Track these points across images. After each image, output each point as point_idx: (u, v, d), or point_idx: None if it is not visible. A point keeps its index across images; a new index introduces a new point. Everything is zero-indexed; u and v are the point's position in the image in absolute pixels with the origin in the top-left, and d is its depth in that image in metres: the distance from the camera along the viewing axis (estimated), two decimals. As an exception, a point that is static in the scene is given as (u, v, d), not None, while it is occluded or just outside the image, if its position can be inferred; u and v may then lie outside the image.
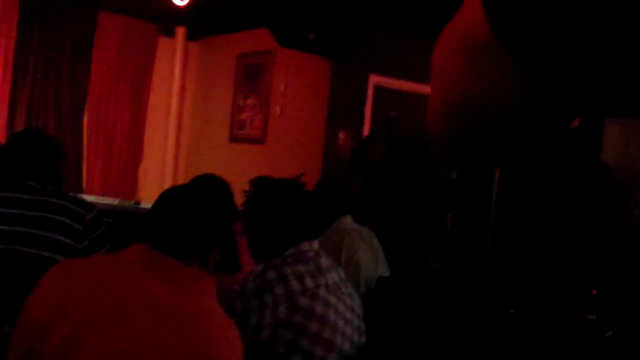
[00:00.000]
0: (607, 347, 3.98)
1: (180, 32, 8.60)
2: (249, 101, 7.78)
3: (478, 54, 0.57)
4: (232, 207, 3.51)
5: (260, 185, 2.91)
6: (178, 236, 1.99)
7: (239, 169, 6.80)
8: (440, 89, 0.66)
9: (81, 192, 7.46)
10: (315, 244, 2.75)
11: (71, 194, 3.29)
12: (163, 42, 8.55)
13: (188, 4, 6.83)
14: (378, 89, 7.11)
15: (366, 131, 7.05)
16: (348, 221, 4.18)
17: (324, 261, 2.71)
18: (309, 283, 2.55)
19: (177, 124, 8.69)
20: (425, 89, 7.34)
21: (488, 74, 0.57)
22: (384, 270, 4.22)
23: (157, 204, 2.09)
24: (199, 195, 2.14)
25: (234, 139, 8.01)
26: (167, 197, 2.11)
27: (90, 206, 3.17)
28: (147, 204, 6.57)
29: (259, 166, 7.36)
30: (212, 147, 8.39)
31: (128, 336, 1.76)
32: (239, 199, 3.35)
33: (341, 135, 6.87)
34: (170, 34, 8.57)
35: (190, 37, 8.67)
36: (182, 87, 8.70)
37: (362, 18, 6.56)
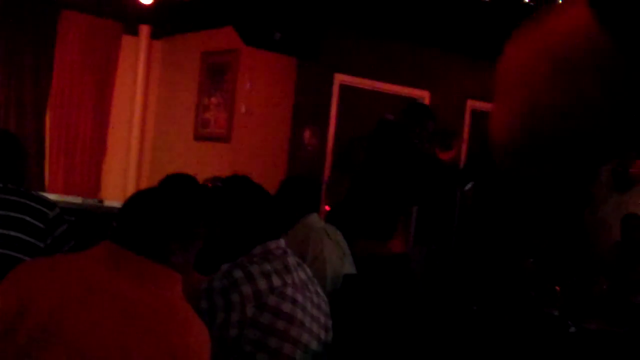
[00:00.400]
0: (571, 343, 4.03)
1: (144, 30, 8.52)
2: (214, 100, 7.74)
3: (576, 64, 0.56)
4: (202, 208, 3.50)
5: (227, 184, 2.90)
6: (141, 233, 1.98)
7: (203, 168, 6.75)
8: (519, 100, 0.64)
9: (44, 190, 7.36)
10: (282, 242, 2.74)
11: (33, 192, 3.25)
12: (127, 40, 8.47)
13: (152, 3, 6.79)
14: (343, 88, 7.13)
15: (332, 130, 7.06)
16: (314, 219, 4.19)
17: (291, 259, 2.71)
18: (277, 281, 2.55)
19: (141, 123, 8.62)
20: (390, 87, 7.38)
21: (586, 83, 0.56)
22: (350, 268, 4.23)
23: (126, 203, 2.10)
24: (165, 195, 2.15)
25: (198, 138, 7.96)
26: (135, 197, 2.14)
27: (52, 204, 3.14)
28: (110, 202, 6.50)
29: (224, 165, 7.32)
30: (176, 146, 8.33)
31: (95, 331, 1.76)
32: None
33: (306, 134, 6.88)
34: (134, 32, 8.49)
35: (155, 35, 8.59)
36: (146, 86, 8.62)
37: (328, 17, 6.57)
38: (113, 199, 6.93)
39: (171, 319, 1.86)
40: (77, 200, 6.11)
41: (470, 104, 7.97)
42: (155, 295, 1.89)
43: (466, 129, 7.97)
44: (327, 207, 6.76)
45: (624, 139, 0.61)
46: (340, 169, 6.20)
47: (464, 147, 7.85)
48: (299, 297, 2.60)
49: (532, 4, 5.93)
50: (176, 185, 3.56)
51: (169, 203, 2.09)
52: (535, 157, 0.67)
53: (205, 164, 7.39)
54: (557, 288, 4.42)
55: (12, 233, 2.89)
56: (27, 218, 2.95)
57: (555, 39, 0.59)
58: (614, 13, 0.52)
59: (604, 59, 0.54)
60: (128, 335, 1.77)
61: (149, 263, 1.94)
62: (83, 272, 1.90)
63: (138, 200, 2.11)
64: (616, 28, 0.52)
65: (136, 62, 8.50)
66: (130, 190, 8.31)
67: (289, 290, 2.57)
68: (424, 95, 7.62)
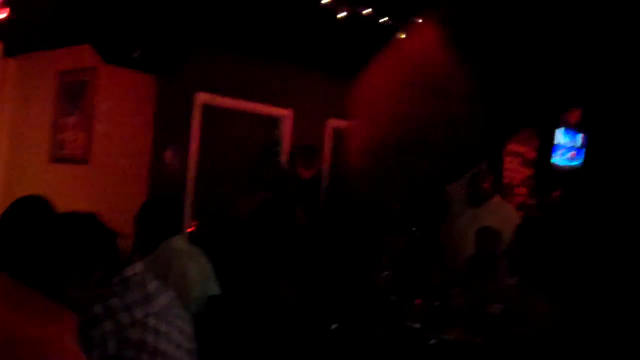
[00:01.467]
0: (431, 355, 4.15)
1: (-4, 47, 8.19)
2: (71, 120, 7.51)
3: (433, 80, 0.62)
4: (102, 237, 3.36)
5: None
6: (39, 268, 1.90)
7: (61, 191, 6.54)
8: (379, 127, 0.69)
9: None
10: (139, 266, 2.67)
11: None
12: (-23, 58, 8.12)
13: (5, 19, 6.53)
14: (205, 106, 7.09)
15: (194, 149, 7.00)
16: (177, 241, 4.14)
17: (152, 285, 2.65)
18: (138, 313, 2.48)
19: (-7, 144, 8.26)
20: (253, 106, 7.41)
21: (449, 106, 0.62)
22: (214, 289, 4.21)
23: (15, 230, 2.00)
24: (65, 227, 2.05)
25: (55, 160, 7.69)
26: (24, 224, 2.04)
27: None
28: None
29: (83, 187, 7.12)
30: (31, 168, 8.02)
31: None
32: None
33: (168, 154, 6.79)
34: (-15, 49, 8.15)
35: (8, 53, 8.26)
36: (-1, 105, 8.28)
37: (189, 35, 6.52)
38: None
39: None
40: None
41: (331, 122, 8.11)
42: (43, 336, 1.80)
43: (327, 147, 8.11)
44: (190, 229, 6.69)
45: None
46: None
47: (325, 165, 7.98)
48: (162, 327, 2.54)
49: (388, 23, 6.11)
50: (72, 216, 3.42)
51: (71, 237, 2.00)
52: (383, 161, 0.73)
53: (63, 187, 7.17)
54: (418, 302, 4.54)
55: None
56: None
57: (412, 58, 0.64)
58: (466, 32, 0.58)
59: (457, 76, 0.61)
60: None
61: (43, 300, 1.87)
62: None
63: (31, 230, 2.00)
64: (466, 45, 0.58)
65: (-13, 81, 8.15)
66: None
67: (151, 321, 2.51)
68: (286, 114, 7.70)
